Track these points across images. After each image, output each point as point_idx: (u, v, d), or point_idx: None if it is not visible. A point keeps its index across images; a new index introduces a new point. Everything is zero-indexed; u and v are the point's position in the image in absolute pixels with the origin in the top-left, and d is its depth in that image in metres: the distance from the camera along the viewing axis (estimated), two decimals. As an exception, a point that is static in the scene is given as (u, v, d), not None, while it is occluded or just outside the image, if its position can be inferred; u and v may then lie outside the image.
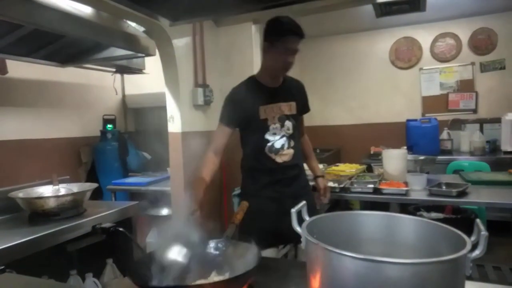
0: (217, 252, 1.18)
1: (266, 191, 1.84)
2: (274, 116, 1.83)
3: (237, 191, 2.19)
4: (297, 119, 1.91)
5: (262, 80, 1.88)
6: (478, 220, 0.82)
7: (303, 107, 1.99)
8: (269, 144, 1.82)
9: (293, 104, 1.89)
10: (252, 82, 1.90)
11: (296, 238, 0.88)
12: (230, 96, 1.89)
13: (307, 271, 0.84)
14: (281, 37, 1.71)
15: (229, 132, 1.84)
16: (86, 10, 2.24)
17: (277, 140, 1.83)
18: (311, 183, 2.09)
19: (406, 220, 0.97)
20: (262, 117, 1.82)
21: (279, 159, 1.83)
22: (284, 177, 1.85)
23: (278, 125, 1.83)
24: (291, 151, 1.85)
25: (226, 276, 1.08)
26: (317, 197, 2.09)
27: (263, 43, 1.79)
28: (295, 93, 1.93)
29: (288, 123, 1.86)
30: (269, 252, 1.78)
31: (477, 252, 0.75)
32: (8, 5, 1.80)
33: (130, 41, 2.62)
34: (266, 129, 1.82)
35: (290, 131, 1.86)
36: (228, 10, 1.53)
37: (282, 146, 1.84)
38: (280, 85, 1.89)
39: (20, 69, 3.20)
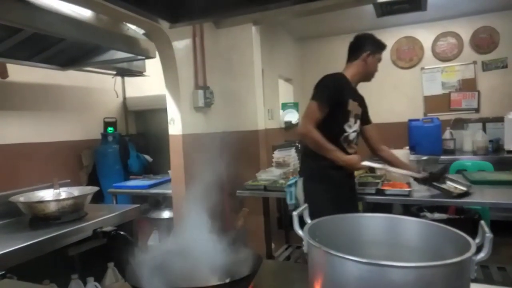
0: (219, 257, 1.17)
1: (333, 176, 2.08)
2: (354, 112, 2.14)
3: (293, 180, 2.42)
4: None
5: (352, 79, 2.19)
6: (482, 222, 0.81)
7: (365, 115, 2.32)
8: (345, 133, 2.10)
9: (360, 109, 2.23)
10: (344, 77, 2.17)
11: None
12: (333, 78, 2.12)
13: (309, 275, 0.83)
14: (380, 50, 2.21)
15: (325, 109, 2.04)
16: (86, 13, 2.24)
17: (351, 132, 2.12)
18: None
19: (410, 222, 0.96)
20: (349, 108, 2.09)
21: (349, 150, 2.12)
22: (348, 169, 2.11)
23: (353, 119, 2.13)
24: (356, 147, 2.18)
25: (226, 281, 1.07)
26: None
27: (366, 53, 2.16)
28: (364, 103, 2.31)
29: (358, 122, 2.19)
30: None
31: (482, 255, 0.74)
32: (8, 9, 1.80)
33: (130, 44, 2.62)
34: (346, 120, 2.09)
35: (358, 129, 2.19)
36: (228, 11, 1.52)
37: (354, 139, 2.15)
38: (356, 88, 2.25)
39: (21, 73, 3.20)
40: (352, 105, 2.12)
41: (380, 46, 2.21)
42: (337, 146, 2.06)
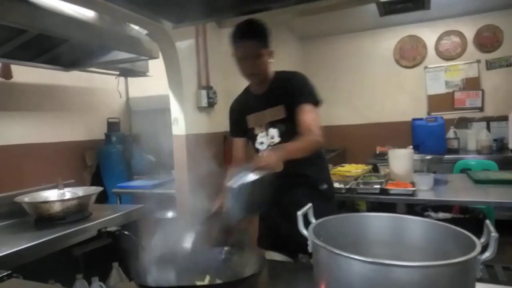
0: (221, 260, 1.17)
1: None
2: (261, 124, 1.73)
3: None
4: (288, 122, 1.65)
5: (251, 88, 1.78)
6: (487, 221, 0.80)
7: (297, 101, 1.63)
8: (259, 154, 1.72)
9: (281, 107, 1.67)
10: (245, 91, 1.84)
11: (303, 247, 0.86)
12: (230, 107, 1.90)
13: (315, 274, 0.83)
14: (232, 46, 1.64)
15: (241, 142, 1.82)
16: (89, 14, 2.25)
17: (264, 150, 1.70)
18: None
19: (414, 222, 0.96)
20: (250, 126, 1.77)
21: None
22: (279, 186, 1.54)
23: (264, 133, 1.72)
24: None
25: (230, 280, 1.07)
26: None
27: None
28: (282, 94, 1.67)
29: (273, 131, 1.69)
30: (277, 256, 1.71)
31: (487, 254, 0.74)
32: (12, 10, 1.81)
33: (134, 44, 2.63)
34: (254, 138, 1.75)
35: (276, 140, 1.68)
36: (230, 12, 1.53)
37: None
38: (266, 90, 1.72)
39: (25, 73, 3.22)
40: (254, 119, 1.74)
41: (230, 43, 1.65)
42: None
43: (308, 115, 1.59)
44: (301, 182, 1.69)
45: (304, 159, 1.53)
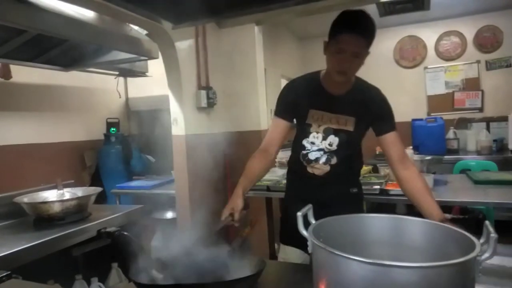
0: (223, 263, 1.17)
1: (294, 193, 1.76)
2: (320, 125, 1.61)
3: None
4: (352, 136, 1.60)
5: (324, 83, 1.61)
6: (487, 222, 0.80)
7: (383, 126, 1.61)
8: (303, 151, 1.63)
9: (352, 119, 1.59)
10: (314, 79, 1.64)
11: None
12: (287, 86, 1.70)
13: (314, 275, 0.83)
14: (336, 34, 1.44)
15: (285, 126, 1.65)
16: (89, 14, 2.25)
17: (313, 150, 1.62)
18: None
19: (414, 222, 0.96)
20: (308, 121, 1.62)
21: (310, 170, 1.64)
22: (312, 187, 1.64)
23: (320, 135, 1.60)
24: (327, 168, 1.61)
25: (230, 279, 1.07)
26: None
27: (326, 40, 1.54)
28: (359, 106, 1.58)
29: (333, 139, 1.59)
30: (291, 251, 1.69)
31: (486, 255, 0.74)
32: (12, 10, 1.81)
33: (133, 45, 2.63)
34: (305, 134, 1.63)
35: (333, 148, 1.60)
36: (230, 12, 1.52)
37: (317, 159, 1.62)
38: (343, 94, 1.59)
39: (24, 73, 3.21)
40: (315, 117, 1.61)
41: (332, 29, 1.47)
42: (298, 162, 1.66)
43: (400, 146, 1.60)
44: (334, 183, 1.65)
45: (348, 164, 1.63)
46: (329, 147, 1.60)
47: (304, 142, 1.63)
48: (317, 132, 1.61)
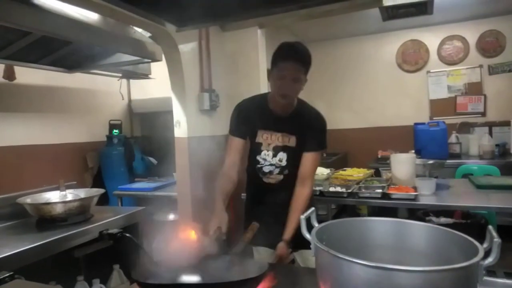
0: (224, 268, 1.16)
1: (252, 202, 1.90)
2: (269, 144, 1.77)
3: None
4: (296, 153, 1.76)
5: (271, 104, 1.77)
6: (490, 227, 0.80)
7: (308, 144, 1.76)
8: (258, 165, 1.80)
9: (293, 137, 1.76)
10: (261, 101, 1.80)
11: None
12: (237, 107, 1.85)
13: (317, 278, 0.83)
14: (278, 62, 1.64)
15: (242, 143, 1.79)
16: (93, 17, 2.26)
17: (266, 165, 1.79)
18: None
19: (417, 227, 0.96)
20: (258, 140, 1.78)
21: (266, 180, 1.81)
22: (269, 196, 1.80)
23: (270, 153, 1.77)
24: (280, 177, 1.79)
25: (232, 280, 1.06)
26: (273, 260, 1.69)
27: (270, 68, 1.71)
28: (300, 127, 1.76)
29: (282, 155, 1.77)
30: (262, 250, 1.82)
31: (490, 260, 0.74)
32: (17, 12, 1.82)
33: (137, 47, 2.64)
34: (258, 151, 1.79)
35: (283, 163, 1.77)
36: (234, 15, 1.53)
37: (271, 171, 1.79)
38: (287, 116, 1.76)
39: (28, 75, 3.23)
40: (264, 137, 1.77)
41: (275, 57, 1.68)
42: (254, 173, 1.82)
43: (312, 165, 1.77)
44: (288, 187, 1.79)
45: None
46: (279, 162, 1.78)
47: (258, 158, 1.79)
48: (268, 150, 1.78)
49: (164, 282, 1.01)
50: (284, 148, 1.76)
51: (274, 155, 1.77)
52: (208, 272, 1.10)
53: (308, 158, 1.75)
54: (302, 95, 1.82)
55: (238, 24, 3.21)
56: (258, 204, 1.83)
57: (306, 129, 1.75)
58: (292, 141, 1.77)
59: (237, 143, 1.79)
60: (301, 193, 1.73)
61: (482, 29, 4.65)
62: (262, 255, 1.81)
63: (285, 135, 1.76)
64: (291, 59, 1.62)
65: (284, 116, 1.76)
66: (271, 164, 1.78)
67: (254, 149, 1.80)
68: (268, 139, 1.77)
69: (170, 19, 1.49)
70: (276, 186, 1.80)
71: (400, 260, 0.93)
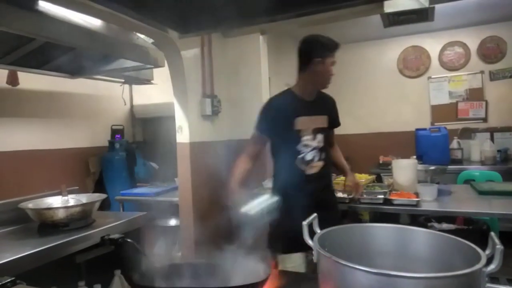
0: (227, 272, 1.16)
1: (295, 199, 1.88)
2: (308, 128, 1.91)
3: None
4: (328, 132, 2.02)
5: (298, 94, 1.96)
6: (492, 233, 0.80)
7: (334, 122, 2.10)
8: (300, 156, 1.89)
9: (325, 118, 1.99)
10: (289, 94, 1.97)
11: None
12: (267, 104, 1.98)
13: (320, 285, 0.83)
14: (326, 53, 1.88)
15: (262, 140, 1.96)
16: (96, 23, 2.28)
17: (308, 152, 1.91)
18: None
19: (419, 233, 0.96)
20: (297, 127, 1.89)
21: (308, 171, 1.92)
22: (311, 188, 1.90)
23: (310, 136, 1.91)
24: (321, 163, 1.95)
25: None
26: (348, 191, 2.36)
27: (316, 60, 1.87)
28: (328, 108, 2.05)
29: (320, 136, 1.94)
30: (297, 257, 1.86)
31: (492, 267, 0.74)
32: (20, 19, 1.84)
33: (140, 53, 2.65)
34: (298, 140, 1.89)
35: (321, 144, 1.94)
36: (236, 22, 1.54)
37: (313, 158, 1.92)
38: (316, 98, 1.99)
39: (31, 80, 3.25)
40: (302, 122, 1.91)
41: (329, 48, 1.91)
42: (294, 169, 1.89)
43: (333, 135, 2.18)
44: (326, 174, 2.04)
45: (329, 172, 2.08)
46: (318, 144, 1.94)
47: (298, 147, 1.90)
48: (308, 134, 1.92)
49: (165, 287, 1.01)
50: (320, 130, 1.96)
51: (314, 138, 1.93)
52: (209, 276, 1.10)
53: (333, 132, 2.13)
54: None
55: (240, 31, 3.23)
56: (298, 206, 1.77)
57: (331, 108, 2.07)
58: (324, 121, 1.99)
59: (261, 140, 1.95)
60: (337, 149, 2.25)
61: (483, 35, 4.67)
62: (296, 262, 1.85)
63: (318, 117, 1.97)
64: (336, 47, 1.90)
65: (312, 101, 1.98)
66: (312, 149, 1.92)
67: (292, 140, 1.89)
68: (307, 123, 1.92)
69: (173, 26, 1.50)
70: (317, 176, 1.93)
71: (402, 267, 0.92)
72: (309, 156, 1.91)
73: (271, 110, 1.93)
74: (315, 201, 1.81)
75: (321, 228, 1.16)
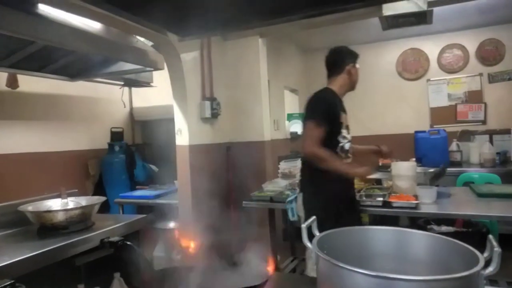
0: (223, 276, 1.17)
1: (333, 190, 2.11)
2: (346, 123, 2.25)
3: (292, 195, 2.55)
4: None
5: (339, 92, 2.28)
6: (491, 236, 0.81)
7: None
8: (340, 144, 2.19)
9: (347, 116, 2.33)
10: (332, 92, 2.25)
11: None
12: (324, 95, 2.22)
13: (318, 287, 0.83)
14: (356, 60, 2.33)
15: (324, 126, 2.09)
16: (96, 26, 2.29)
17: (346, 143, 2.22)
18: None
19: (418, 236, 0.96)
20: (341, 120, 2.19)
21: (346, 160, 2.23)
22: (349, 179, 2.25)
23: (346, 130, 2.24)
24: (350, 159, 2.27)
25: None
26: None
27: (349, 66, 2.27)
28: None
29: (349, 131, 2.30)
30: None
31: (490, 269, 0.74)
32: (20, 22, 1.84)
33: (139, 56, 2.66)
34: (339, 132, 2.18)
35: (351, 138, 2.29)
36: (235, 26, 1.55)
37: (349, 149, 2.25)
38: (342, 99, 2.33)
39: (31, 83, 3.25)
40: (344, 117, 2.24)
41: (356, 56, 2.37)
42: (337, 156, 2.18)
43: None
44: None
45: None
46: (350, 138, 2.28)
47: (338, 138, 2.19)
48: (345, 128, 2.24)
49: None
50: (348, 126, 2.29)
51: (348, 132, 2.27)
52: (210, 279, 1.10)
53: None
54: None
55: (239, 34, 3.24)
56: (347, 191, 2.29)
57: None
58: (348, 118, 2.30)
59: (322, 127, 2.09)
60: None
61: (482, 38, 4.68)
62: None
63: (346, 115, 2.29)
64: (358, 56, 2.37)
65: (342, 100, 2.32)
66: (348, 141, 2.25)
67: (335, 132, 2.16)
68: (345, 118, 2.25)
69: (173, 29, 1.51)
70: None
71: (401, 269, 0.92)
72: (347, 146, 2.23)
73: (331, 103, 2.18)
74: (351, 188, 2.34)
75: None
